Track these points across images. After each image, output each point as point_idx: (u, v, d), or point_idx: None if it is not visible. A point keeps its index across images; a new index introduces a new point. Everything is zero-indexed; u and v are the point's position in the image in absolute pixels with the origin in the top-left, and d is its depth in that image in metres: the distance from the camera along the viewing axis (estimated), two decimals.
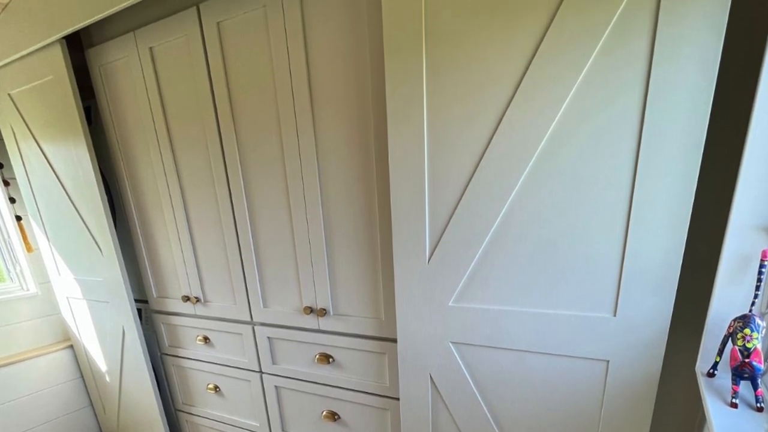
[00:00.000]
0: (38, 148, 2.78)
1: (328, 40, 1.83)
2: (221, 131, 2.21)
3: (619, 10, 1.27)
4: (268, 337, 2.53)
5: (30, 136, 2.78)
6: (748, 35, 1.35)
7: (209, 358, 2.88)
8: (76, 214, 2.78)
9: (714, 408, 1.28)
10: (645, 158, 1.34)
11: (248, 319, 2.57)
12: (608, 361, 1.60)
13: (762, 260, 1.26)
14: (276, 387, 2.63)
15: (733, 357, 1.28)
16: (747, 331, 1.24)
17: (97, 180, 2.56)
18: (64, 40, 2.38)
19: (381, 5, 1.59)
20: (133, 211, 2.78)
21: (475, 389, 1.89)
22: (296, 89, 1.94)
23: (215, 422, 3.07)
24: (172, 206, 2.56)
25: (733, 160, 1.28)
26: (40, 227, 3.13)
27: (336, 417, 2.46)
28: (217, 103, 2.17)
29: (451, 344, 1.87)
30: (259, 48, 1.98)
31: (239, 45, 2.03)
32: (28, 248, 3.33)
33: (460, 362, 1.88)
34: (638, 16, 1.26)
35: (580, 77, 1.36)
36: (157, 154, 2.48)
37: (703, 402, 1.34)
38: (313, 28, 1.84)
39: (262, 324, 2.54)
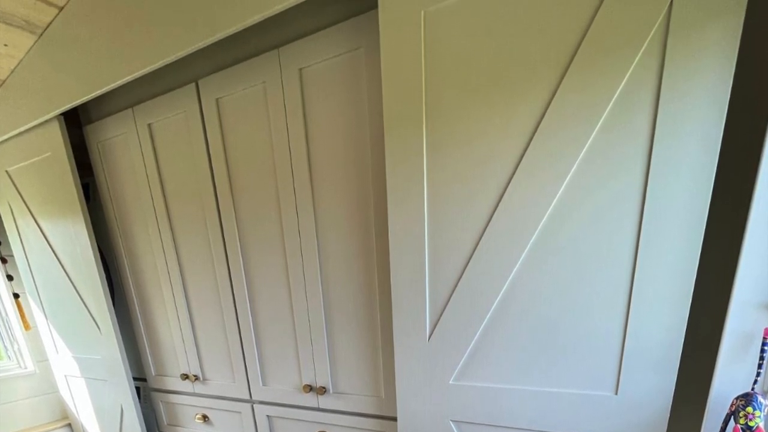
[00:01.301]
0: (36, 225, 2.78)
1: (327, 117, 1.83)
2: (220, 209, 2.20)
3: (621, 87, 1.27)
4: (268, 416, 2.48)
5: (28, 213, 2.78)
6: (750, 112, 1.35)
7: None
8: (74, 291, 2.76)
9: None
10: (646, 235, 1.33)
11: (247, 397, 2.52)
12: None
13: (764, 338, 1.27)
14: None
15: None
16: (749, 409, 1.26)
17: (95, 257, 2.55)
18: (62, 117, 2.40)
19: (381, 82, 1.59)
20: (132, 289, 2.76)
21: None
22: (296, 166, 1.94)
23: None
24: (171, 284, 2.54)
25: (735, 238, 1.27)
26: (37, 305, 3.11)
27: None
28: (215, 180, 2.16)
29: (451, 422, 1.84)
30: (258, 124, 1.99)
31: (238, 121, 2.03)
32: (26, 326, 3.30)
33: None
34: (640, 92, 1.25)
35: (582, 154, 1.35)
36: (155, 231, 2.48)
37: None
38: (313, 104, 1.84)
39: (262, 402, 2.49)
